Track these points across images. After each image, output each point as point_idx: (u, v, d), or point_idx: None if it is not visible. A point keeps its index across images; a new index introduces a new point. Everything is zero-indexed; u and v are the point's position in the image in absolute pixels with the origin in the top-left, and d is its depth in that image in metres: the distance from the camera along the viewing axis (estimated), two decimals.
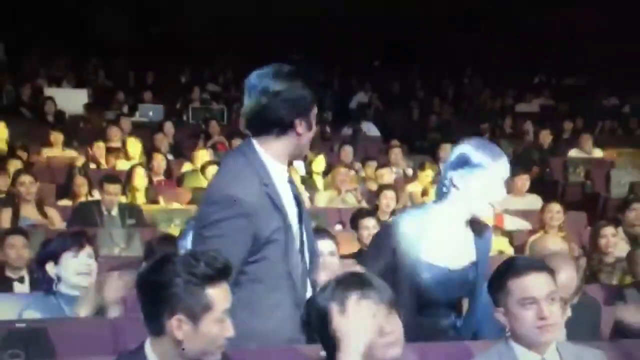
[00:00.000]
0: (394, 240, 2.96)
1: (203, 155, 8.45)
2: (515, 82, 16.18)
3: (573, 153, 10.34)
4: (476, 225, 3.06)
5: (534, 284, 2.42)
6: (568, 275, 2.99)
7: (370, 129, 12.22)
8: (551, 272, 2.48)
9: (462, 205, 2.96)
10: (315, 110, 2.69)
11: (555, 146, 10.85)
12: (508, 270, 2.48)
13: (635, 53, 17.17)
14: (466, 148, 2.95)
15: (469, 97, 15.63)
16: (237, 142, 9.45)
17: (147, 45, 16.96)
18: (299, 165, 8.57)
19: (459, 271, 3.00)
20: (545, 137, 10.80)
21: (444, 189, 2.97)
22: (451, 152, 3.02)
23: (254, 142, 2.65)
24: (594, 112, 14.10)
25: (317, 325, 2.28)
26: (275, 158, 2.65)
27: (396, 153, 9.23)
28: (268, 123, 2.61)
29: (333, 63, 16.56)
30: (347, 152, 9.12)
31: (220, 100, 13.75)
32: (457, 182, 2.93)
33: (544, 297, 2.40)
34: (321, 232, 3.77)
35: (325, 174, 8.15)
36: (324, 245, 3.51)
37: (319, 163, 8.24)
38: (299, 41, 17.46)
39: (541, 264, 2.51)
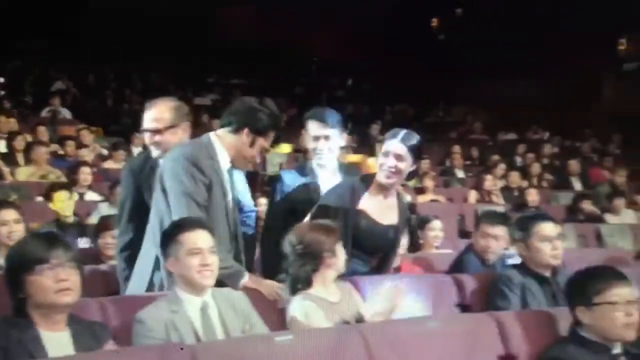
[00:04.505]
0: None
1: None
2: (193, 80, 16.20)
3: None
4: (401, 198, 3.16)
5: (200, 237, 2.48)
6: None
7: (66, 113, 11.33)
8: (211, 230, 2.54)
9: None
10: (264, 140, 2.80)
11: None
12: (179, 226, 2.52)
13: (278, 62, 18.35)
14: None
15: (155, 90, 15.26)
16: None
17: None
18: (1, 144, 7.67)
19: (384, 226, 3.06)
20: (216, 125, 10.91)
21: None
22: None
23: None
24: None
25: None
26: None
27: (85, 134, 8.71)
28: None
29: (32, 54, 15.01)
30: (42, 131, 8.41)
31: None
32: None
33: (207, 248, 2.49)
34: (5, 203, 3.80)
35: (25, 151, 7.37)
36: (8, 214, 3.56)
37: (20, 141, 7.44)
38: None
39: (204, 223, 2.56)
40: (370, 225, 3.04)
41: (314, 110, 3.31)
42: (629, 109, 12.75)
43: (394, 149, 2.99)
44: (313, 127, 3.25)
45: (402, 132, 3.03)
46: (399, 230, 3.19)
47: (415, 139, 3.03)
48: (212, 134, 2.87)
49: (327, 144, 3.23)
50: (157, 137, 3.00)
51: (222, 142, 2.83)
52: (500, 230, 3.83)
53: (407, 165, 3.01)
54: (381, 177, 3.03)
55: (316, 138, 3.24)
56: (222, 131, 2.86)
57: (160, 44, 16.92)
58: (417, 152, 3.03)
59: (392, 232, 3.14)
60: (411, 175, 3.12)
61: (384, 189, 3.07)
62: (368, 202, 3.05)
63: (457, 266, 3.89)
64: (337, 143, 3.28)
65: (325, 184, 3.26)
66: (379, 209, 3.07)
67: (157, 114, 3.01)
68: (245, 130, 2.80)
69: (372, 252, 3.13)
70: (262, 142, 2.84)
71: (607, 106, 13.37)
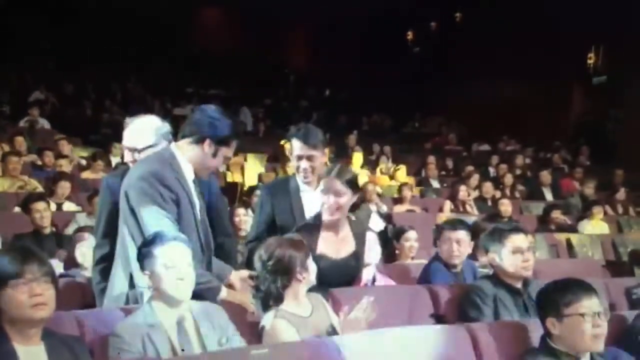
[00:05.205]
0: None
1: None
2: (171, 90, 16.10)
3: None
4: (354, 223, 3.13)
5: (176, 251, 2.45)
6: None
7: (45, 124, 11.18)
8: (187, 243, 2.51)
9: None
10: (227, 149, 2.74)
11: None
12: (155, 240, 2.47)
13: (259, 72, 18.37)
14: None
15: (134, 100, 15.10)
16: None
17: None
18: None
19: (343, 259, 3.09)
20: None
21: None
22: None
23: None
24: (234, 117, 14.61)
25: None
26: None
27: (63, 144, 8.56)
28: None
29: (8, 62, 14.78)
30: (20, 142, 8.29)
31: None
32: None
33: (183, 262, 2.45)
34: None
35: (2, 162, 7.26)
36: None
37: None
38: None
39: (180, 237, 2.52)
40: (330, 264, 3.03)
41: (298, 129, 3.31)
42: (597, 122, 12.96)
43: (332, 186, 3.02)
44: (297, 146, 3.25)
45: (336, 168, 3.08)
46: (359, 254, 3.18)
47: (349, 172, 3.09)
48: (173, 146, 2.77)
49: (310, 163, 3.24)
50: (136, 155, 2.95)
51: (184, 153, 2.73)
52: (461, 234, 3.86)
53: (347, 199, 3.04)
54: (325, 217, 3.06)
55: (299, 157, 3.25)
56: (183, 142, 2.74)
57: (140, 52, 16.85)
58: (353, 185, 3.07)
59: (353, 260, 3.14)
60: (354, 207, 3.14)
61: (332, 226, 3.08)
62: (322, 243, 3.05)
63: (425, 275, 3.90)
64: (320, 161, 3.27)
65: (309, 199, 3.26)
66: (334, 245, 3.08)
67: (136, 132, 2.95)
68: (207, 141, 2.71)
69: (338, 284, 3.12)
70: (225, 151, 2.76)
71: (576, 118, 13.56)
